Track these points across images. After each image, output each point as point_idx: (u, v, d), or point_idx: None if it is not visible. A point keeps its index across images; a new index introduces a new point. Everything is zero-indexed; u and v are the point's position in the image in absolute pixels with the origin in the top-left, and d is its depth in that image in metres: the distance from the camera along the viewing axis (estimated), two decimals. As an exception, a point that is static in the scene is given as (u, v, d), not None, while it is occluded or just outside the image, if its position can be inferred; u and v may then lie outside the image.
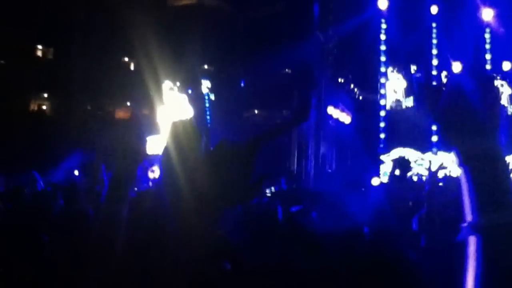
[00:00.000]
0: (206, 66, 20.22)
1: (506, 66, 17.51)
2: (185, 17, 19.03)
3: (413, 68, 18.46)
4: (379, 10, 18.15)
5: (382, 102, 18.39)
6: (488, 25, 17.50)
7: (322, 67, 17.28)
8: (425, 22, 17.92)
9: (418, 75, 18.36)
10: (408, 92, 18.21)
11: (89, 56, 19.30)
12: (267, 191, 11.38)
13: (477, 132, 1.52)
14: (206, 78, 18.44)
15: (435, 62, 18.10)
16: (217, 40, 18.50)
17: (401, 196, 7.07)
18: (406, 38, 17.40)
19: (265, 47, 17.04)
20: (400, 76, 18.17)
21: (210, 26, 18.54)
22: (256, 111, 18.60)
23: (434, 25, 18.02)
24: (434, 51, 18.07)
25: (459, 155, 1.59)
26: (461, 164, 1.58)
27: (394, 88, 18.29)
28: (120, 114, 22.41)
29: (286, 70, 18.09)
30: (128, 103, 22.09)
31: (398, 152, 15.87)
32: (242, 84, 19.61)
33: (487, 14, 17.25)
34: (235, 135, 4.14)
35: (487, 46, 17.76)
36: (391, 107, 18.27)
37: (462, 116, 1.58)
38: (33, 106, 21.31)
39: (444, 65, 17.82)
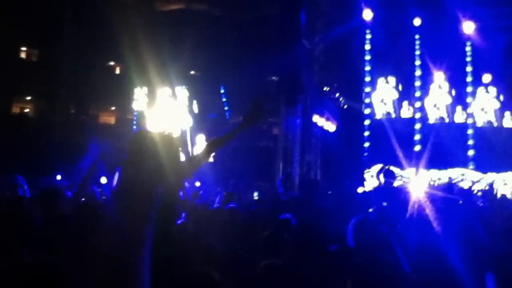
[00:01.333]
0: (191, 72, 20.17)
1: (486, 78, 17.75)
2: (172, 22, 19.00)
3: (395, 79, 18.58)
4: (364, 21, 18.34)
5: (367, 111, 18.53)
6: (469, 37, 17.76)
7: (308, 75, 17.36)
8: (410, 33, 18.13)
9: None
10: (395, 102, 18.35)
11: (75, 59, 19.14)
12: (255, 194, 11.37)
13: None
14: (186, 84, 18.33)
15: (418, 72, 18.32)
16: (203, 45, 18.49)
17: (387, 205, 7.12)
18: (393, 48, 17.58)
19: (251, 53, 17.09)
20: (388, 86, 18.31)
21: (197, 31, 18.54)
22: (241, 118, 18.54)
23: (417, 36, 18.25)
24: (418, 62, 18.28)
25: None
26: None
27: (382, 98, 18.41)
28: (105, 118, 22.25)
29: (273, 76, 18.13)
30: (113, 108, 21.95)
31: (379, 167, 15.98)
32: (227, 90, 19.56)
33: (468, 27, 17.50)
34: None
35: (468, 59, 18.02)
36: (378, 116, 18.38)
37: None
38: (16, 109, 21.06)
39: (428, 75, 18.06)
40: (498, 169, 16.37)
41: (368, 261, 3.59)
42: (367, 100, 18.62)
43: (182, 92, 17.83)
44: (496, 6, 16.23)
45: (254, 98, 3.80)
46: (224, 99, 19.30)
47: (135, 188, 3.35)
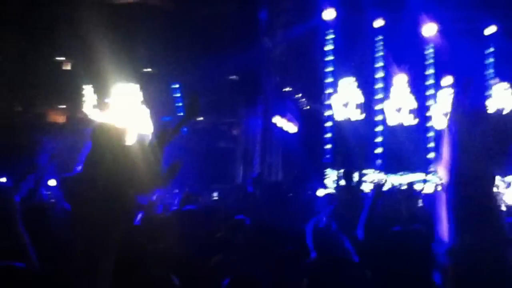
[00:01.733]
0: (146, 69, 19.47)
1: (448, 81, 17.81)
2: (127, 16, 18.28)
3: (357, 80, 18.45)
4: (326, 20, 18.14)
5: (328, 112, 18.35)
6: (431, 40, 17.82)
7: (268, 75, 17.05)
8: (372, 34, 18.12)
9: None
10: (357, 104, 18.28)
11: (21, 55, 18.17)
12: (215, 194, 11.08)
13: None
14: (140, 82, 17.63)
15: (380, 74, 18.27)
16: (159, 42, 17.90)
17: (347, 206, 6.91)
18: (354, 49, 17.51)
19: (210, 51, 16.60)
20: (349, 87, 18.18)
21: (152, 27, 17.89)
22: (200, 118, 18.00)
23: (380, 37, 18.24)
24: (380, 63, 18.25)
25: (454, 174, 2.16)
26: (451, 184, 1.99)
27: (343, 100, 18.26)
28: (54, 117, 21.24)
29: (232, 75, 17.72)
30: (63, 106, 21.00)
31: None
32: (184, 91, 18.97)
33: (431, 29, 17.55)
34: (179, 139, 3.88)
35: (430, 61, 18.09)
36: (339, 118, 18.25)
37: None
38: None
39: (390, 77, 18.06)
40: None
41: (323, 260, 3.79)
42: (328, 102, 18.51)
43: (136, 91, 17.17)
44: (459, 9, 16.35)
45: (190, 93, 4.17)
46: (180, 104, 18.68)
47: (99, 183, 3.32)
